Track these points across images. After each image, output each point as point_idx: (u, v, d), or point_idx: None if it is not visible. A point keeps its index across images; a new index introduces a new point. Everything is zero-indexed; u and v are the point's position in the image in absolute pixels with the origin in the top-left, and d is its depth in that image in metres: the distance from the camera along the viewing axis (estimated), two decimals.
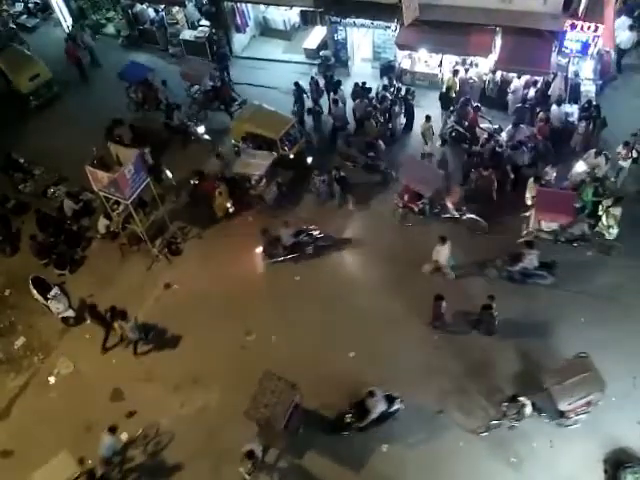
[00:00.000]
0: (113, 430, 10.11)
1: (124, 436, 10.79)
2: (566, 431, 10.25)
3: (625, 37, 15.89)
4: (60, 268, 13.53)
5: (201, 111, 16.52)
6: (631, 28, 15.90)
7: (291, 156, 14.67)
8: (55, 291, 12.43)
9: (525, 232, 12.50)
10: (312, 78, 16.29)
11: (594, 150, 13.13)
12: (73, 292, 13.05)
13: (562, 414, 9.81)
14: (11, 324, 12.92)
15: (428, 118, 14.42)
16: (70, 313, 12.58)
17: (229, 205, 14.07)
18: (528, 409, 9.65)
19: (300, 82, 15.95)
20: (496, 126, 14.56)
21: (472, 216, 12.95)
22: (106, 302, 12.85)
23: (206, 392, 11.39)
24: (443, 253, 11.83)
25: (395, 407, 10.12)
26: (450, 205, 12.97)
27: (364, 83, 15.86)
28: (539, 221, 12.25)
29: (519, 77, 15.14)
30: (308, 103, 16.10)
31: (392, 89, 15.81)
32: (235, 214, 14.31)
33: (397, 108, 15.42)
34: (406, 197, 13.10)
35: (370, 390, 9.81)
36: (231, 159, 14.83)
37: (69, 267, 13.63)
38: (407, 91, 15.69)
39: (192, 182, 14.26)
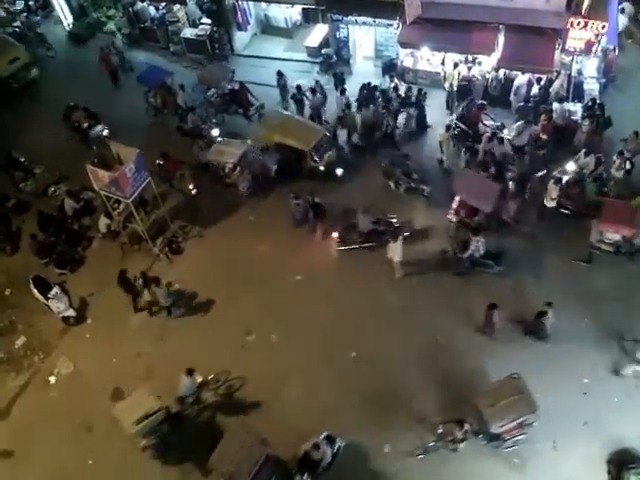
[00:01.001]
0: (191, 372, 10.55)
1: (199, 378, 11.04)
2: (569, 432, 10.21)
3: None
4: (61, 267, 13.49)
5: (217, 114, 16.26)
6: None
7: (321, 168, 14.22)
8: (56, 290, 12.39)
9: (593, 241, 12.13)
10: (317, 82, 15.99)
11: (584, 150, 13.11)
12: (74, 291, 13.01)
13: (497, 436, 9.69)
14: (11, 323, 12.88)
15: (448, 128, 14.09)
16: (71, 312, 12.54)
17: (191, 187, 14.38)
18: (461, 432, 9.48)
19: (282, 71, 16.23)
20: (498, 123, 14.47)
21: (529, 228, 12.66)
22: (107, 301, 12.90)
23: (206, 391, 11.31)
24: (395, 250, 12.01)
25: (337, 445, 9.84)
26: (508, 219, 12.63)
27: (369, 84, 15.60)
28: (601, 232, 11.96)
29: (523, 74, 15.02)
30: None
31: (406, 90, 15.45)
32: (235, 214, 14.27)
33: (412, 111, 15.01)
34: (462, 213, 12.61)
35: (314, 443, 9.46)
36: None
37: (70, 266, 13.59)
38: (419, 92, 15.40)
39: (157, 162, 14.47)
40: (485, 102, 14.84)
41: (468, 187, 12.46)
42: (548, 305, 10.78)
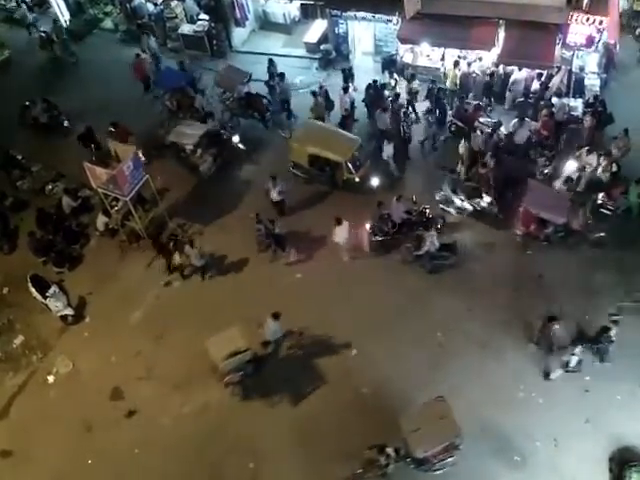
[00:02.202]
0: (277, 316, 10.80)
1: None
2: (571, 429, 10.18)
3: None
4: (59, 266, 13.41)
5: (233, 118, 15.96)
6: None
7: (357, 179, 13.75)
8: (54, 289, 12.32)
9: None
10: (321, 87, 15.53)
11: (586, 148, 12.91)
12: (72, 290, 12.94)
13: (425, 460, 9.41)
14: (9, 322, 12.80)
15: (466, 139, 13.63)
16: (69, 311, 12.47)
17: (140, 155, 14.48)
18: (383, 458, 9.26)
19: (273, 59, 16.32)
20: (495, 120, 14.37)
21: (602, 234, 12.30)
22: (106, 300, 12.86)
23: (206, 390, 11.28)
24: (339, 234, 12.18)
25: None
26: (578, 227, 12.22)
27: (375, 82, 15.29)
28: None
29: (520, 69, 14.89)
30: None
31: (434, 90, 14.94)
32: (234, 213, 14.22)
33: (438, 114, 14.55)
34: (532, 226, 12.23)
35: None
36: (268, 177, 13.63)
37: (68, 265, 13.50)
38: (439, 90, 15.06)
39: (108, 130, 14.66)
40: (481, 103, 14.71)
41: (539, 200, 12.04)
42: (614, 323, 10.35)
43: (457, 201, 13.11)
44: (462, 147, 13.57)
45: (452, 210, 13.28)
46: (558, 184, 12.91)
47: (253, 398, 11.06)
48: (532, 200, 12.08)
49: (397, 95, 15.11)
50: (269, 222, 12.71)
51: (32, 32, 19.70)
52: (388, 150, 13.87)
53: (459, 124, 14.58)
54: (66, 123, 16.38)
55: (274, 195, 13.12)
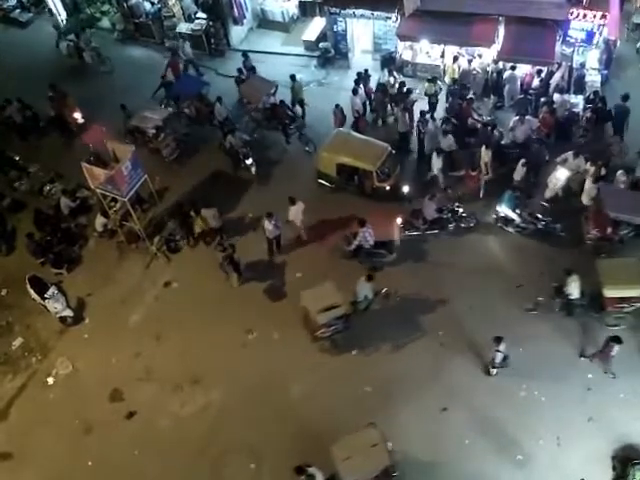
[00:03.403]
0: (371, 278, 11.06)
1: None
2: (574, 428, 10.13)
3: None
4: (57, 267, 13.32)
5: (257, 129, 15.72)
6: None
7: (387, 188, 13.50)
8: (52, 290, 12.24)
9: None
10: (337, 106, 14.83)
11: (572, 152, 12.67)
12: (71, 291, 12.85)
13: None
14: (8, 324, 12.71)
15: (488, 146, 13.22)
16: (68, 312, 12.39)
17: (78, 116, 15.70)
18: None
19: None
20: (488, 118, 14.30)
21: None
22: (105, 301, 12.79)
23: (207, 391, 11.24)
24: (292, 213, 12.49)
25: None
26: None
27: (384, 85, 14.98)
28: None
29: (513, 68, 14.75)
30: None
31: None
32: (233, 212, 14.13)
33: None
34: (609, 229, 11.93)
35: None
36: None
37: (66, 266, 13.41)
38: (463, 87, 14.80)
39: (49, 95, 15.21)
40: (473, 97, 14.56)
41: (621, 203, 11.87)
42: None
43: (517, 219, 12.60)
44: (484, 153, 13.15)
45: (511, 229, 12.78)
46: (548, 194, 12.73)
47: (340, 354, 11.34)
48: (614, 204, 11.81)
49: (410, 91, 14.86)
50: (230, 247, 12.36)
51: (60, 41, 18.92)
52: (437, 163, 13.32)
53: (453, 121, 14.46)
54: (42, 124, 16.25)
55: (270, 229, 12.48)
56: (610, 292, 10.75)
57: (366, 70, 15.64)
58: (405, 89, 14.88)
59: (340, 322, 10.95)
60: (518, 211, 12.51)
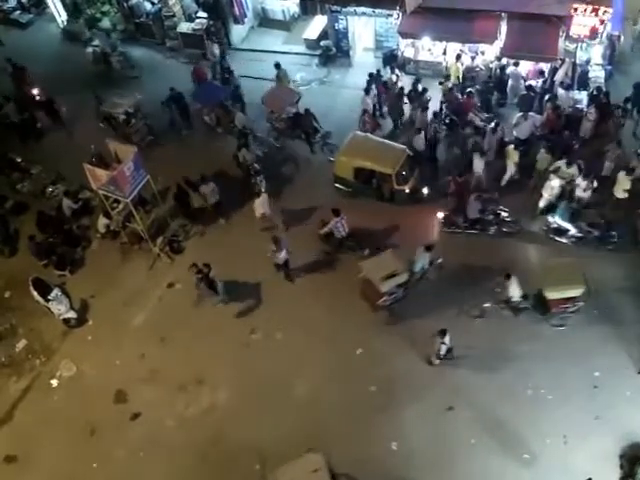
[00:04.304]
0: (429, 248, 11.27)
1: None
2: (581, 426, 10.07)
3: None
4: (60, 269, 13.30)
5: (279, 138, 15.63)
6: None
7: (407, 190, 13.30)
8: (56, 292, 12.23)
9: None
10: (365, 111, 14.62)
11: (564, 161, 12.39)
12: (74, 293, 12.83)
13: None
14: (12, 327, 12.71)
15: (517, 147, 13.01)
16: (72, 314, 12.38)
17: (36, 92, 16.41)
18: None
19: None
20: (485, 115, 14.23)
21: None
22: (109, 303, 12.77)
23: (211, 392, 11.21)
24: (258, 205, 12.83)
25: None
26: None
27: (402, 89, 14.87)
28: None
29: (516, 65, 14.68)
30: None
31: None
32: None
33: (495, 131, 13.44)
34: None
35: None
36: None
37: (69, 268, 13.40)
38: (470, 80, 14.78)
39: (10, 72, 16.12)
40: (473, 90, 14.49)
41: None
42: None
43: (573, 230, 12.20)
44: (541, 157, 12.76)
45: (565, 240, 12.35)
46: (543, 203, 12.54)
47: (343, 353, 11.38)
48: None
49: (425, 89, 14.73)
50: (204, 266, 11.88)
51: (87, 46, 18.54)
52: (479, 164, 12.98)
53: (452, 117, 14.37)
54: (39, 124, 16.36)
55: (281, 256, 12.08)
56: (551, 294, 10.71)
57: (378, 71, 15.49)
58: (420, 88, 14.77)
59: (400, 290, 11.25)
60: (572, 222, 12.06)
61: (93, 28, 19.93)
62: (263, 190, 13.43)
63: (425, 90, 14.70)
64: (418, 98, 14.62)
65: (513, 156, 12.96)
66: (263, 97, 15.34)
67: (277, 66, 15.87)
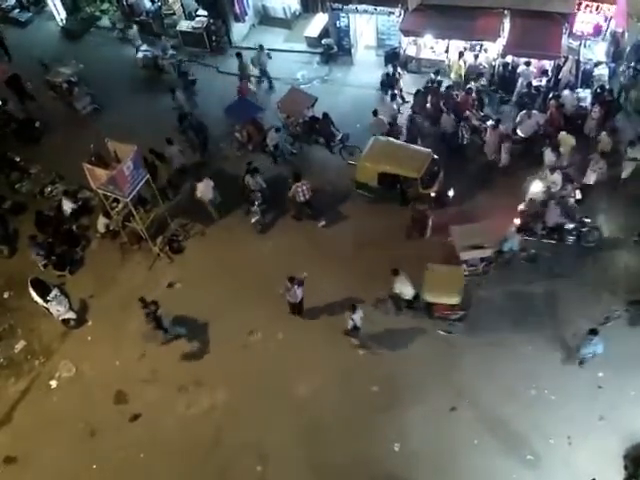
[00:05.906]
0: (520, 230, 11.32)
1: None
2: (585, 427, 10.00)
3: None
4: (60, 269, 13.22)
5: (295, 143, 15.23)
6: None
7: (432, 194, 12.95)
8: (55, 293, 12.16)
9: None
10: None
11: (549, 167, 12.27)
12: (73, 293, 12.76)
13: None
14: (11, 327, 12.64)
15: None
16: (71, 315, 12.31)
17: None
18: None
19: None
20: (482, 114, 14.15)
21: None
22: (108, 303, 12.71)
23: (212, 392, 11.14)
24: (200, 189, 13.18)
25: None
26: None
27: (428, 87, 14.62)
28: None
29: (527, 64, 14.59)
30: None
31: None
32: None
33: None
34: None
35: None
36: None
37: (69, 268, 13.32)
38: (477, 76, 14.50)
39: None
40: (472, 88, 14.34)
41: None
42: None
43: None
44: (548, 155, 12.53)
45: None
46: (522, 206, 12.18)
47: (345, 353, 11.31)
48: None
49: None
50: (152, 304, 11.38)
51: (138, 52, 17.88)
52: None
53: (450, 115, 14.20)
54: (37, 124, 16.24)
55: (298, 293, 11.45)
56: (427, 296, 10.81)
57: (394, 71, 15.24)
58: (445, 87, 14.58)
59: (481, 265, 11.11)
60: None
61: (92, 27, 19.86)
62: (253, 220, 13.38)
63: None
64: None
65: (569, 141, 12.61)
66: (279, 102, 15.09)
67: (238, 55, 16.01)
